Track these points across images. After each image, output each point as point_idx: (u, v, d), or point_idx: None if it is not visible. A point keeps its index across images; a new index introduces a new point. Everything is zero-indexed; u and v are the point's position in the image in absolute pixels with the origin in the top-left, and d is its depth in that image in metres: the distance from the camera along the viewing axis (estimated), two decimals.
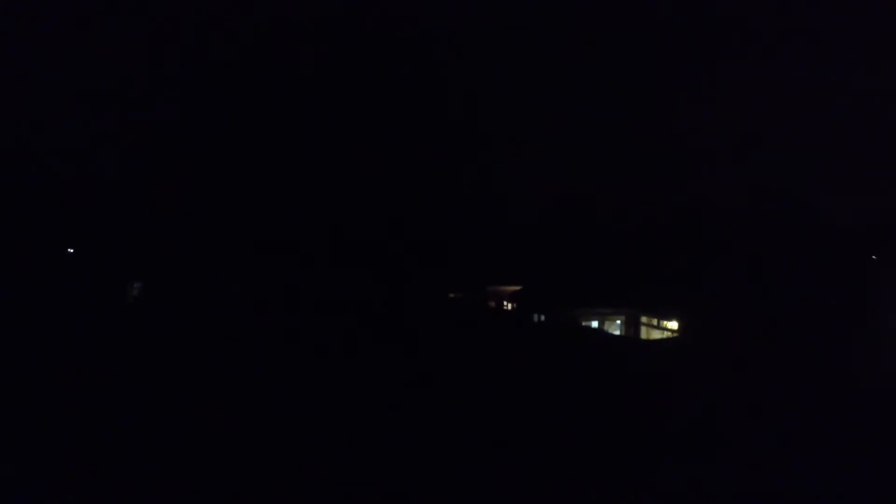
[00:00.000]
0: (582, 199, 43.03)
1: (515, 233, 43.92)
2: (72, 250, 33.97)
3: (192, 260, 34.42)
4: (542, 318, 34.12)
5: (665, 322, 31.09)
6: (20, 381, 14.67)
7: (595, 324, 33.14)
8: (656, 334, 31.38)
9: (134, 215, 36.30)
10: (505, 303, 41.40)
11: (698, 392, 16.19)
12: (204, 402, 13.70)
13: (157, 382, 15.14)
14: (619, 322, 33.37)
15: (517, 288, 40.72)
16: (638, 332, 32.41)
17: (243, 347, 20.16)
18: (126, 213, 36.43)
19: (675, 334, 29.82)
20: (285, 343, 21.22)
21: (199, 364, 17.46)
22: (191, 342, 20.62)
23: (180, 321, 24.98)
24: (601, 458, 11.20)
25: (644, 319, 32.40)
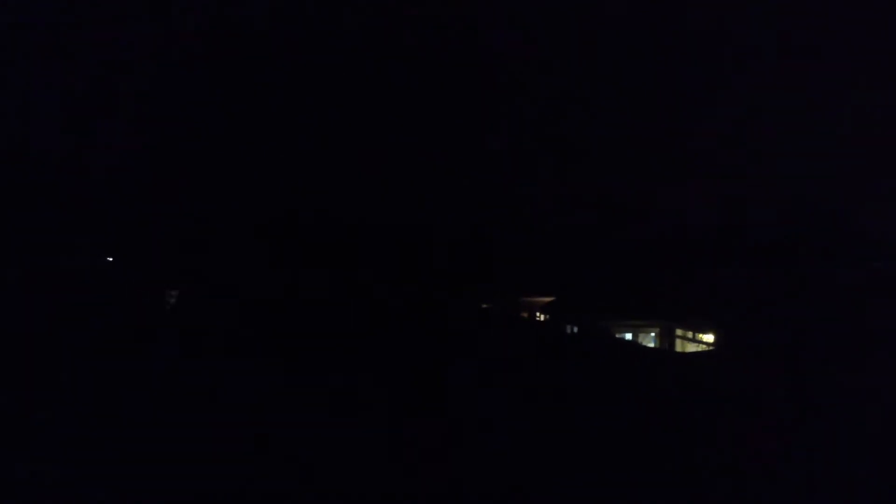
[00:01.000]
0: (617, 211, 42.62)
1: (549, 244, 43.70)
2: (110, 259, 34.74)
3: (229, 267, 34.89)
4: (575, 329, 33.73)
5: (701, 335, 30.42)
6: (54, 385, 14.98)
7: (629, 335, 32.60)
8: (692, 347, 30.72)
9: (169, 223, 37.00)
10: (538, 314, 41.07)
11: (735, 408, 15.81)
12: (240, 406, 13.83)
13: (193, 390, 15.35)
14: (653, 334, 32.78)
15: (550, 299, 40.39)
16: (673, 344, 31.78)
17: (279, 354, 20.32)
18: (162, 221, 37.15)
19: (711, 347, 29.16)
20: (320, 350, 21.33)
21: (236, 369, 17.64)
22: (227, 349, 20.85)
23: (217, 329, 25.27)
24: (634, 472, 10.97)
25: (679, 332, 31.76)
